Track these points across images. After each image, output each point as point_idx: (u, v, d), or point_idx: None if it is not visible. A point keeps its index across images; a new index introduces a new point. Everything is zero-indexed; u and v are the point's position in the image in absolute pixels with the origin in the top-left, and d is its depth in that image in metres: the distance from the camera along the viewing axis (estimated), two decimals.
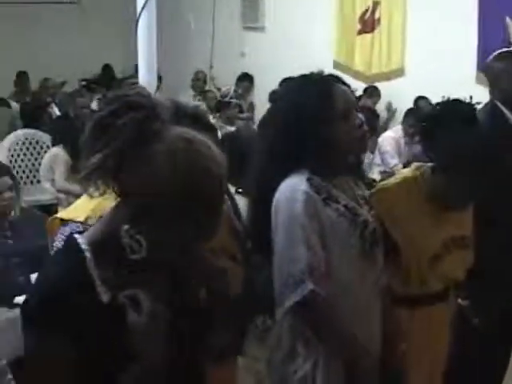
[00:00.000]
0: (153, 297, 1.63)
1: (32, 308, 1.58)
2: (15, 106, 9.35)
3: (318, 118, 2.47)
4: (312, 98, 2.50)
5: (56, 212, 6.30)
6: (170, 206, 1.54)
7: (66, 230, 2.84)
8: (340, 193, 2.56)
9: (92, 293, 1.57)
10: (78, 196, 6.11)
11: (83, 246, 1.61)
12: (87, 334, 1.54)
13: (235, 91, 9.80)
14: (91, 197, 1.66)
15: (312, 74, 2.65)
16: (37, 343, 1.56)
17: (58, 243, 2.90)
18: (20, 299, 3.72)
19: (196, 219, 1.57)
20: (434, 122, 3.23)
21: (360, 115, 2.58)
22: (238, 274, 2.71)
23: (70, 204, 6.20)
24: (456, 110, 3.28)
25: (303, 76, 2.64)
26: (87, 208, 2.77)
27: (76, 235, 1.66)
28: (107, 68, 12.47)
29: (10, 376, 1.77)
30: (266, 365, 2.72)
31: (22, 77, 10.90)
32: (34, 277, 3.87)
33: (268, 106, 7.92)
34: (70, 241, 1.66)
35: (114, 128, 1.54)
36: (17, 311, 3.31)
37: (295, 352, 2.56)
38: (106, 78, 11.84)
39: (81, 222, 2.79)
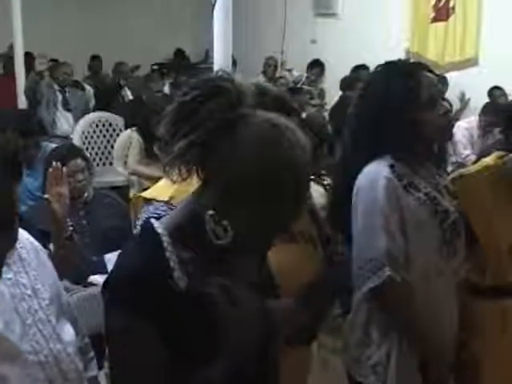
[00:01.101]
0: (239, 283, 1.64)
1: (111, 289, 1.58)
2: (89, 88, 9.48)
3: (403, 106, 2.46)
4: (398, 86, 2.49)
5: (128, 194, 6.41)
6: (255, 191, 1.52)
7: (150, 209, 2.84)
8: (422, 181, 2.54)
9: (169, 278, 1.56)
10: (149, 178, 6.25)
11: (160, 231, 1.60)
12: (165, 319, 1.53)
13: (307, 77, 9.77)
14: (173, 181, 1.65)
15: (398, 61, 2.64)
16: (118, 323, 1.56)
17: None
18: (93, 278, 3.79)
19: (281, 205, 1.55)
20: None
21: (446, 104, 2.57)
22: (317, 259, 2.71)
23: (141, 186, 6.33)
24: None
25: (389, 63, 2.62)
26: (171, 187, 2.77)
27: (152, 220, 1.65)
28: (179, 52, 12.54)
29: (91, 354, 1.80)
30: (342, 348, 2.73)
31: (95, 60, 11.05)
32: (107, 257, 3.95)
33: (338, 93, 7.95)
34: (146, 225, 1.65)
35: (199, 114, 1.52)
36: (90, 290, 3.38)
37: (369, 338, 2.57)
38: (177, 63, 11.92)
39: (165, 202, 2.79)
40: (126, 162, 6.80)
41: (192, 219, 1.60)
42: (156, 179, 6.05)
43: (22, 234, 1.45)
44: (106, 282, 1.60)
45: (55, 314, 1.56)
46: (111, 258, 3.96)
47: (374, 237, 2.44)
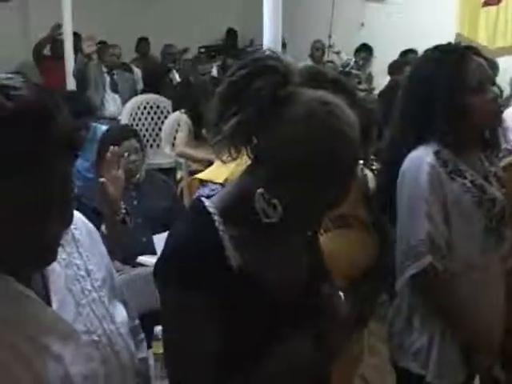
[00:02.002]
0: (288, 263, 1.64)
1: (165, 268, 1.61)
2: (137, 71, 9.52)
3: (452, 90, 2.44)
4: (446, 70, 2.46)
5: (175, 176, 6.44)
6: (305, 169, 1.53)
7: (205, 190, 2.86)
8: (468, 168, 2.51)
9: (221, 257, 1.58)
10: (197, 161, 6.27)
11: (211, 210, 1.62)
12: (218, 297, 1.55)
13: (356, 62, 9.70)
14: (223, 162, 1.66)
15: (447, 44, 2.61)
16: (172, 301, 1.60)
17: None
18: (141, 259, 3.82)
19: (330, 183, 1.56)
20: None
21: (495, 89, 2.53)
22: (371, 244, 2.70)
23: (188, 168, 6.36)
24: None
25: (438, 47, 2.60)
26: (227, 170, 2.78)
27: (202, 199, 1.67)
28: (231, 32, 12.50)
29: (142, 335, 1.81)
30: (387, 333, 2.72)
31: (143, 43, 11.09)
32: (156, 238, 3.97)
33: (386, 77, 7.87)
34: (197, 204, 1.67)
35: (248, 93, 1.53)
36: (138, 270, 3.40)
37: (412, 324, 2.56)
38: (229, 43, 11.90)
39: (220, 184, 2.80)
40: (173, 144, 6.83)
41: (241, 198, 1.62)
42: (203, 161, 6.12)
43: (76, 214, 1.46)
44: (158, 261, 1.63)
45: (108, 295, 1.58)
46: (160, 239, 3.98)
47: (416, 223, 2.43)
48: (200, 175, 3.14)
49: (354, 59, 9.85)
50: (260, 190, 1.56)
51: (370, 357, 3.21)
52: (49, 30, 9.62)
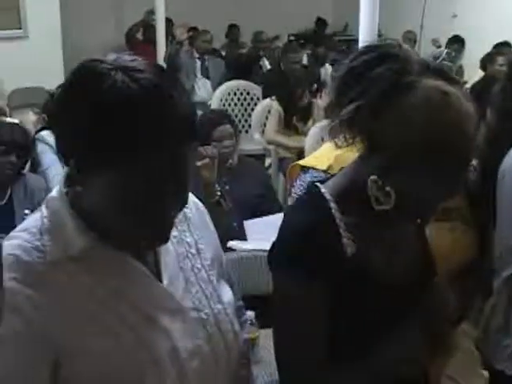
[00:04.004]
0: (399, 249, 1.63)
1: (281, 251, 1.62)
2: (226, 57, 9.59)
3: None
4: None
5: (263, 163, 6.46)
6: (421, 157, 1.52)
7: (306, 177, 2.85)
8: None
9: (338, 243, 1.58)
10: (286, 148, 6.28)
11: (327, 196, 1.62)
12: (333, 283, 1.56)
13: (448, 53, 9.55)
14: (337, 146, 1.66)
15: None
16: (287, 284, 1.60)
17: (298, 190, 2.93)
18: (232, 244, 3.83)
19: (445, 173, 1.54)
20: None
21: None
22: (470, 238, 2.66)
23: (278, 155, 6.37)
24: None
25: None
26: (330, 157, 2.77)
27: (318, 184, 1.68)
28: (320, 21, 12.46)
29: (245, 317, 1.83)
30: (481, 332, 2.67)
31: (233, 29, 11.18)
32: (247, 223, 3.99)
33: (477, 70, 7.72)
34: (313, 189, 1.67)
35: (368, 78, 1.53)
36: (229, 255, 3.42)
37: (509, 325, 2.50)
38: (318, 32, 11.88)
39: (322, 170, 2.79)
40: (263, 131, 6.85)
41: (354, 185, 1.62)
42: (293, 149, 6.11)
43: None
44: (273, 246, 1.65)
45: (216, 275, 1.59)
46: (250, 225, 4.00)
47: None
48: (301, 161, 3.13)
49: (446, 50, 9.70)
50: (373, 177, 1.56)
51: (459, 357, 3.17)
52: (142, 16, 9.78)
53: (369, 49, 1.59)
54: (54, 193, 1.43)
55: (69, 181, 1.40)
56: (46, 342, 1.31)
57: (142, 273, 1.42)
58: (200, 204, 1.67)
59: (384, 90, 1.52)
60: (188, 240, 1.56)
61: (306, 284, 1.57)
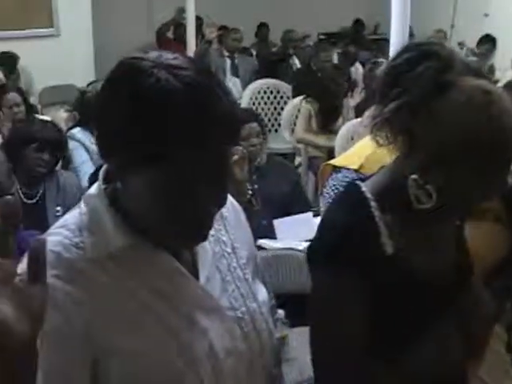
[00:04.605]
0: (438, 248, 1.63)
1: (321, 249, 1.63)
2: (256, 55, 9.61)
3: None
4: None
5: (293, 162, 6.46)
6: (462, 156, 1.51)
7: (338, 177, 2.85)
8: None
9: (377, 243, 1.59)
10: (316, 147, 6.27)
11: (368, 195, 1.63)
12: (371, 282, 1.56)
13: (475, 53, 9.45)
14: (378, 144, 1.65)
15: None
16: (326, 282, 1.61)
17: (330, 190, 2.93)
18: (261, 242, 3.84)
19: (487, 172, 1.54)
20: None
21: None
22: (502, 238, 2.63)
23: (307, 154, 6.37)
24: None
25: None
26: (361, 156, 2.76)
27: (358, 182, 1.69)
28: (358, 22, 12.40)
29: (277, 316, 1.83)
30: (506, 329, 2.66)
31: (262, 28, 11.18)
32: (276, 222, 3.99)
33: (508, 70, 7.65)
34: (353, 188, 1.68)
35: (409, 77, 1.53)
36: (260, 252, 3.42)
37: None
38: (354, 32, 11.84)
39: (354, 170, 2.79)
40: (292, 130, 6.85)
41: (394, 184, 1.62)
42: (323, 148, 6.11)
43: None
44: (313, 244, 1.66)
45: (250, 274, 1.59)
46: (280, 224, 4.01)
47: None
48: (333, 161, 3.13)
49: (475, 50, 9.62)
50: (414, 176, 1.56)
51: (490, 358, 3.16)
52: (172, 14, 9.80)
53: (410, 47, 1.59)
54: (93, 190, 1.43)
55: (108, 177, 1.40)
56: (86, 340, 1.32)
57: (180, 272, 1.42)
58: (236, 203, 1.67)
59: (425, 88, 1.52)
60: (224, 239, 1.56)
61: (344, 282, 1.57)
